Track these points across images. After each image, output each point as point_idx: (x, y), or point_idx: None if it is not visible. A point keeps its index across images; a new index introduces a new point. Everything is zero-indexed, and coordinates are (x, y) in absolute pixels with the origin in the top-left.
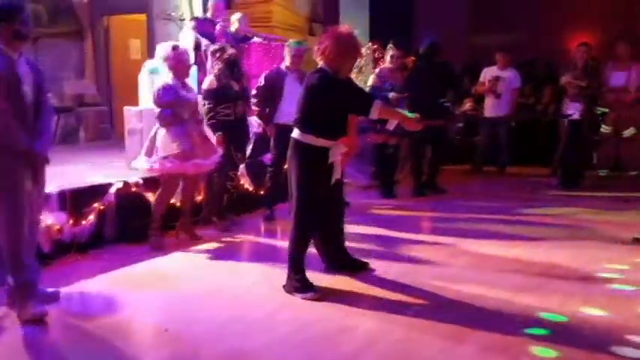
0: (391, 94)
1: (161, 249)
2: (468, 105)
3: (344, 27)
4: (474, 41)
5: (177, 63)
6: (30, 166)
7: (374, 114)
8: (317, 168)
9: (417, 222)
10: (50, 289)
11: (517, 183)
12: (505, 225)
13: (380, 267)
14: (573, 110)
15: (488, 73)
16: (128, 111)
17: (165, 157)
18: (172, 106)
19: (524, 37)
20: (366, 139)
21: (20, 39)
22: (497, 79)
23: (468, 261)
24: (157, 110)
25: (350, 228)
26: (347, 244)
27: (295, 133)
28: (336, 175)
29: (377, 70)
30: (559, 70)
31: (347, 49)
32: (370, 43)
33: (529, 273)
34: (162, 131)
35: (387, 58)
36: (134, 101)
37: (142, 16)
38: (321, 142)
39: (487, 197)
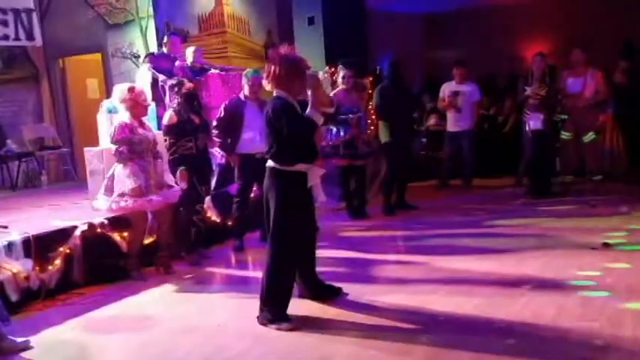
0: (350, 116)
1: (144, 280)
2: (432, 120)
3: (285, 48)
4: (429, 57)
5: (135, 104)
6: None
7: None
8: (297, 193)
9: (389, 242)
10: (20, 339)
11: (484, 195)
12: (475, 238)
13: (354, 290)
14: (535, 120)
15: (447, 89)
16: (89, 152)
17: (121, 195)
18: (127, 144)
19: (481, 50)
20: (330, 163)
21: None
22: (456, 93)
23: (441, 278)
24: (114, 148)
25: (321, 252)
26: (319, 269)
27: (270, 163)
28: (320, 199)
29: (331, 94)
30: (519, 80)
31: (291, 68)
32: (327, 67)
33: (501, 286)
34: (119, 168)
35: (339, 79)
36: (94, 141)
37: (98, 56)
38: (297, 167)
39: (456, 211)
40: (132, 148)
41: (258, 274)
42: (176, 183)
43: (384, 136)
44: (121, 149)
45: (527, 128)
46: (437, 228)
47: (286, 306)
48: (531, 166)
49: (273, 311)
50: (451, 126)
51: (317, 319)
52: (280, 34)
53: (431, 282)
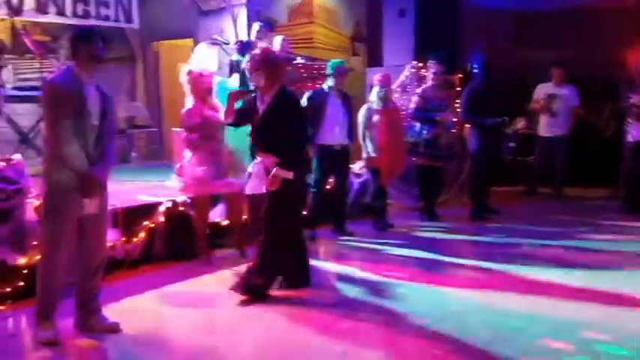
0: (438, 116)
1: (209, 264)
2: (521, 123)
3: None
4: (520, 56)
5: (194, 86)
6: (83, 189)
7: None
8: None
9: (464, 245)
10: (110, 321)
11: (575, 205)
12: (563, 250)
13: (421, 292)
14: (638, 130)
15: (542, 90)
16: (176, 132)
17: (192, 179)
18: (198, 130)
19: (577, 51)
20: (411, 160)
21: (95, 62)
22: (552, 96)
23: (516, 288)
24: (184, 134)
25: (393, 250)
26: (387, 266)
27: None
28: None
29: (419, 91)
30: (619, 86)
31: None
32: (414, 62)
33: (592, 304)
34: (188, 153)
35: (429, 75)
36: None
37: (189, 41)
38: None
39: (542, 220)
40: (203, 133)
41: (328, 265)
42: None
43: (472, 139)
44: (191, 136)
45: (628, 138)
46: (519, 236)
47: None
48: (630, 178)
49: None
50: (544, 131)
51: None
52: (369, 25)
53: (505, 291)
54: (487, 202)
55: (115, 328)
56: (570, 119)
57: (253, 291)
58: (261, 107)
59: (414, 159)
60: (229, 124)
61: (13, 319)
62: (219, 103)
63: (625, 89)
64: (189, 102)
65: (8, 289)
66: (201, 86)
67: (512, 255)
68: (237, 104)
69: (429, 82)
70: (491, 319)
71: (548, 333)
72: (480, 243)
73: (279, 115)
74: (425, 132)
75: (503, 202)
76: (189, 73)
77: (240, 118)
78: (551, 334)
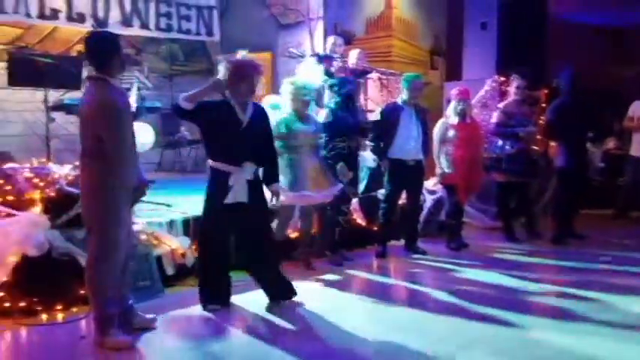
0: (522, 131)
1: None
2: (611, 143)
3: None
4: (610, 73)
5: (293, 98)
6: (137, 198)
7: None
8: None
9: (548, 270)
10: (149, 315)
11: None
12: None
13: (504, 319)
14: None
15: (638, 108)
16: None
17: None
18: (283, 138)
19: None
20: (489, 177)
21: (124, 69)
22: None
23: (612, 320)
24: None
25: (471, 272)
26: (461, 288)
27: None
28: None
29: (501, 106)
30: None
31: (237, 72)
32: (496, 76)
33: None
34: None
35: (512, 90)
36: None
37: (267, 54)
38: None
39: (634, 247)
40: (288, 143)
41: (397, 283)
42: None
43: (558, 157)
44: (275, 143)
45: None
46: (609, 263)
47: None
48: None
49: (201, 293)
50: (636, 150)
51: None
52: (449, 39)
53: (598, 323)
54: (572, 226)
55: (152, 323)
56: None
57: None
58: (244, 117)
59: (495, 175)
60: (181, 110)
61: (86, 321)
62: (314, 116)
63: None
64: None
65: (82, 291)
66: (301, 98)
67: (599, 283)
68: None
69: (512, 97)
70: None
71: None
72: (564, 269)
73: (264, 125)
74: (507, 147)
75: (591, 226)
76: (293, 83)
77: (197, 111)
78: None
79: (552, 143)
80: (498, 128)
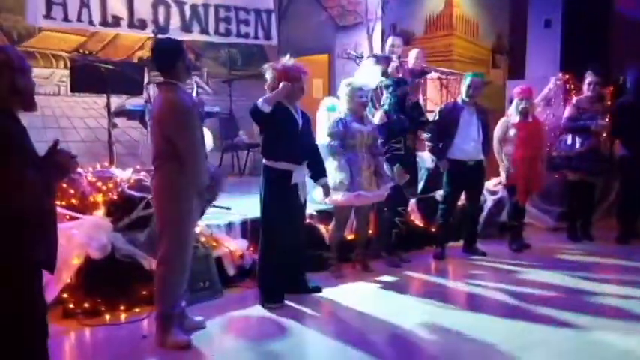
0: (594, 125)
1: (340, 277)
2: None
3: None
4: None
5: (349, 99)
6: (210, 198)
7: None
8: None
9: (613, 271)
10: (197, 318)
11: None
12: None
13: (565, 319)
14: None
15: None
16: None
17: (333, 189)
18: (340, 138)
19: None
20: (553, 177)
21: (190, 73)
22: None
23: None
24: (327, 141)
25: (534, 273)
26: (521, 289)
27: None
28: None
29: (574, 100)
30: None
31: (282, 75)
32: (560, 74)
33: None
34: (330, 161)
35: (585, 86)
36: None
37: (325, 56)
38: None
39: None
40: (344, 142)
41: (456, 284)
42: (392, 180)
43: (624, 156)
44: (332, 143)
45: None
46: None
47: (274, 289)
48: None
49: (263, 293)
50: None
51: None
52: (512, 37)
53: None
54: (636, 226)
55: (201, 324)
56: None
57: None
58: (298, 118)
59: (565, 174)
60: (261, 113)
61: (148, 321)
62: (370, 117)
63: None
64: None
65: (144, 292)
66: (357, 99)
67: None
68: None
69: (585, 93)
70: None
71: None
72: (628, 268)
73: (310, 125)
74: (577, 145)
75: None
76: (350, 84)
77: (271, 114)
78: None
79: (617, 142)
80: (569, 122)
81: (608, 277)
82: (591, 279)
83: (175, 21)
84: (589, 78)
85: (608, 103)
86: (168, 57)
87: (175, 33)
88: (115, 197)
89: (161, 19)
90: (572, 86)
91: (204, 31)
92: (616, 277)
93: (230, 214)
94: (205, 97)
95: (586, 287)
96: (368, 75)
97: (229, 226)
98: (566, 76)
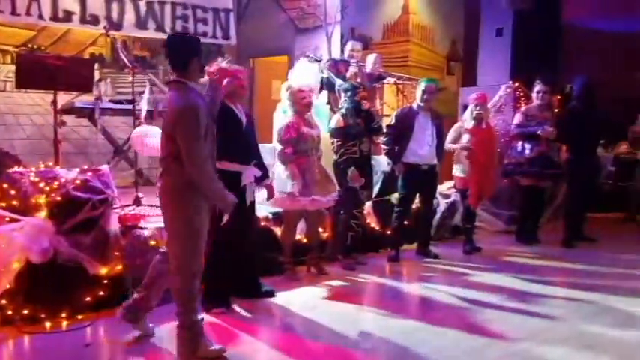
0: (540, 130)
1: (296, 280)
2: (623, 147)
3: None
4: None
5: (294, 102)
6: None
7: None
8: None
9: (557, 273)
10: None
11: None
12: None
13: (510, 323)
14: None
15: None
16: (262, 147)
17: (283, 193)
18: (293, 145)
19: None
20: (505, 182)
21: (203, 73)
22: None
23: (613, 322)
24: (279, 148)
25: (481, 275)
26: (472, 293)
27: None
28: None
29: (523, 108)
30: None
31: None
32: (511, 82)
33: None
34: (279, 167)
35: (534, 94)
36: (271, 139)
37: (284, 58)
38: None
39: None
40: (297, 148)
41: (411, 287)
42: (340, 184)
43: (569, 161)
44: (286, 150)
45: None
46: (616, 266)
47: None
48: None
49: (207, 297)
50: None
51: None
52: (465, 45)
53: (600, 325)
54: (582, 229)
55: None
56: None
57: None
58: (242, 117)
59: (517, 179)
60: None
61: (91, 329)
62: (317, 119)
63: None
64: (281, 117)
65: (88, 299)
66: (300, 101)
67: (608, 287)
68: None
69: (534, 101)
70: None
71: None
72: (576, 271)
73: (252, 124)
74: (527, 151)
75: (601, 230)
76: (289, 88)
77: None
78: None
79: (564, 148)
80: (518, 129)
81: (554, 280)
82: (538, 281)
83: (130, 17)
84: (538, 87)
85: (556, 110)
86: (183, 55)
87: (130, 29)
88: (59, 198)
89: (115, 14)
90: (521, 94)
91: (160, 28)
92: (559, 279)
93: None
94: (161, 95)
95: (532, 290)
96: (304, 74)
97: None
98: (516, 84)
